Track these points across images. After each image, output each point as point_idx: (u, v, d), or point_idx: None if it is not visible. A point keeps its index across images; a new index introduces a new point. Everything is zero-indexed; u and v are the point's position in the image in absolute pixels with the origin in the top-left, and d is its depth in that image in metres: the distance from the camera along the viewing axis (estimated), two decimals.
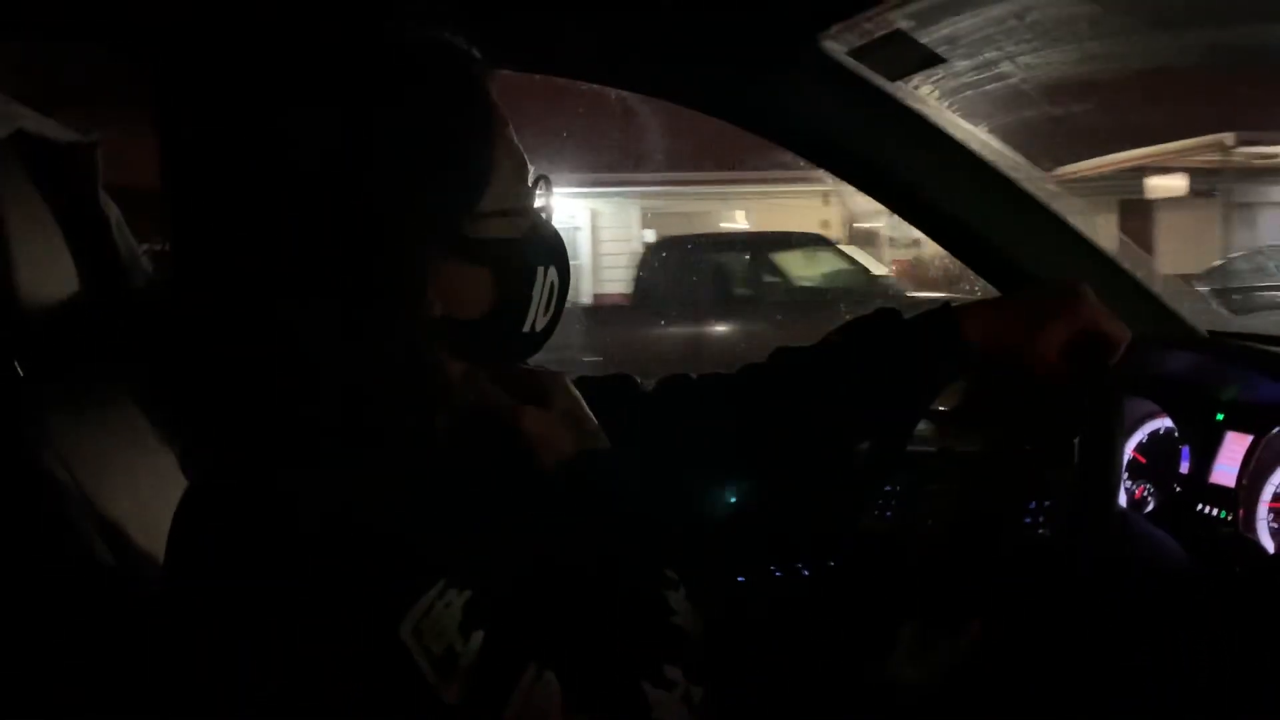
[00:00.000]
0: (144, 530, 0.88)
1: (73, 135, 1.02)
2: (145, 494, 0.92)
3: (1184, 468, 1.23)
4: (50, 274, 0.93)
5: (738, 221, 12.23)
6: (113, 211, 1.01)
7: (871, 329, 0.99)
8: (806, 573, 1.54)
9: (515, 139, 0.76)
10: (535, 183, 0.78)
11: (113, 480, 0.91)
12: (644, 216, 12.34)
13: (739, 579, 1.51)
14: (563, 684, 0.65)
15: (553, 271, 0.78)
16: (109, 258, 0.97)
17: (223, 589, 0.64)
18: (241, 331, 0.67)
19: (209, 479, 0.69)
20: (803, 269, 7.72)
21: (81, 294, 0.95)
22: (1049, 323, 0.92)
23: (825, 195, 11.70)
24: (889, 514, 1.16)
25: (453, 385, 0.76)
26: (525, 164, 0.77)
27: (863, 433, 1.05)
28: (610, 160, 10.26)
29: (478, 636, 0.63)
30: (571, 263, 0.82)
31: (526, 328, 0.77)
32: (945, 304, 0.99)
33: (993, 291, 1.46)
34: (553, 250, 0.79)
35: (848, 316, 1.02)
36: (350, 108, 0.66)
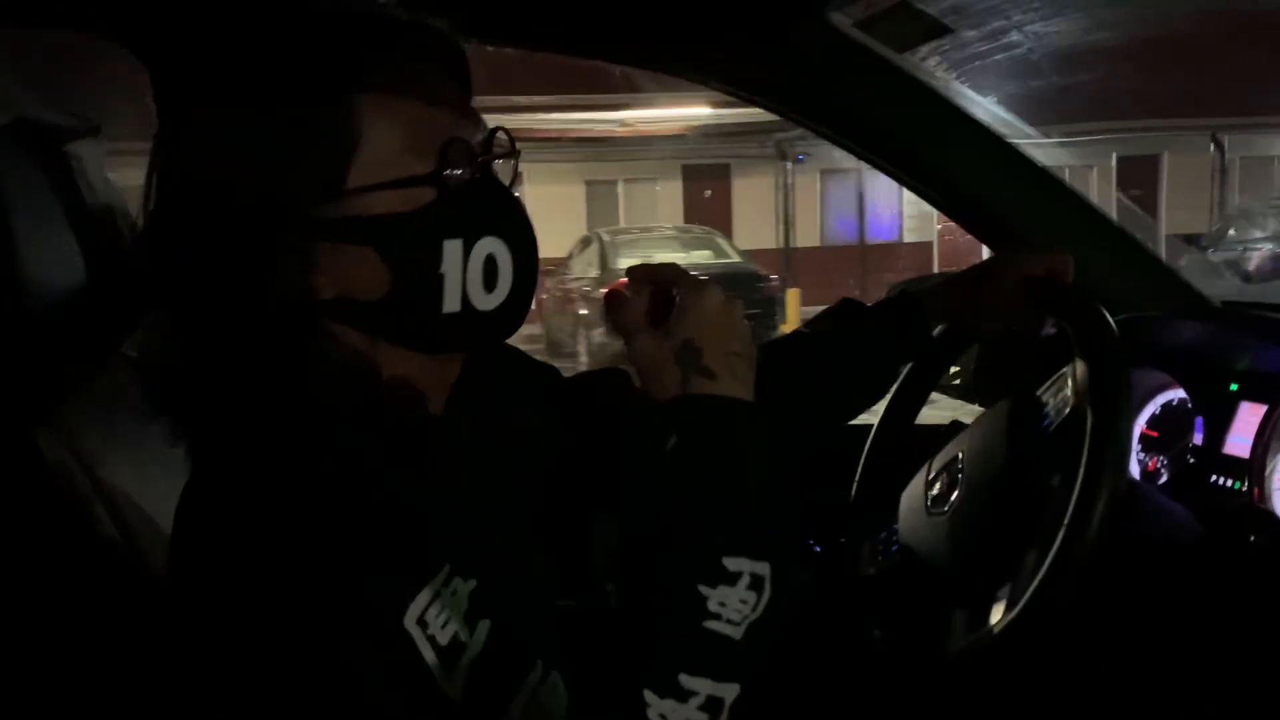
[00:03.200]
0: (155, 516, 0.88)
1: (75, 121, 1.01)
2: (156, 479, 0.92)
3: (1197, 439, 1.22)
4: (54, 262, 0.93)
5: None
6: (115, 197, 1.00)
7: (844, 319, 1.08)
8: (818, 549, 1.55)
9: (414, 99, 0.69)
10: (447, 146, 0.69)
11: (122, 466, 0.92)
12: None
13: None
14: (569, 686, 0.62)
15: (489, 243, 0.70)
16: (112, 245, 0.97)
17: (224, 580, 0.63)
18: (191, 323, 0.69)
19: (210, 467, 0.68)
20: None
21: (86, 282, 0.94)
22: (998, 280, 1.07)
23: None
24: (895, 546, 1.15)
25: (378, 367, 0.72)
26: (424, 128, 0.69)
27: (838, 420, 1.11)
28: None
29: (484, 626, 0.61)
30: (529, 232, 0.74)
31: (454, 308, 0.70)
32: (903, 290, 1.10)
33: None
34: (483, 222, 0.71)
35: None
36: (185, 93, 0.67)
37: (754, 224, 15.79)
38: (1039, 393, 1.13)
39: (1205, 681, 0.95)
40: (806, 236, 16.14)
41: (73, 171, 0.97)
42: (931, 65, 1.39)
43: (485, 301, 0.71)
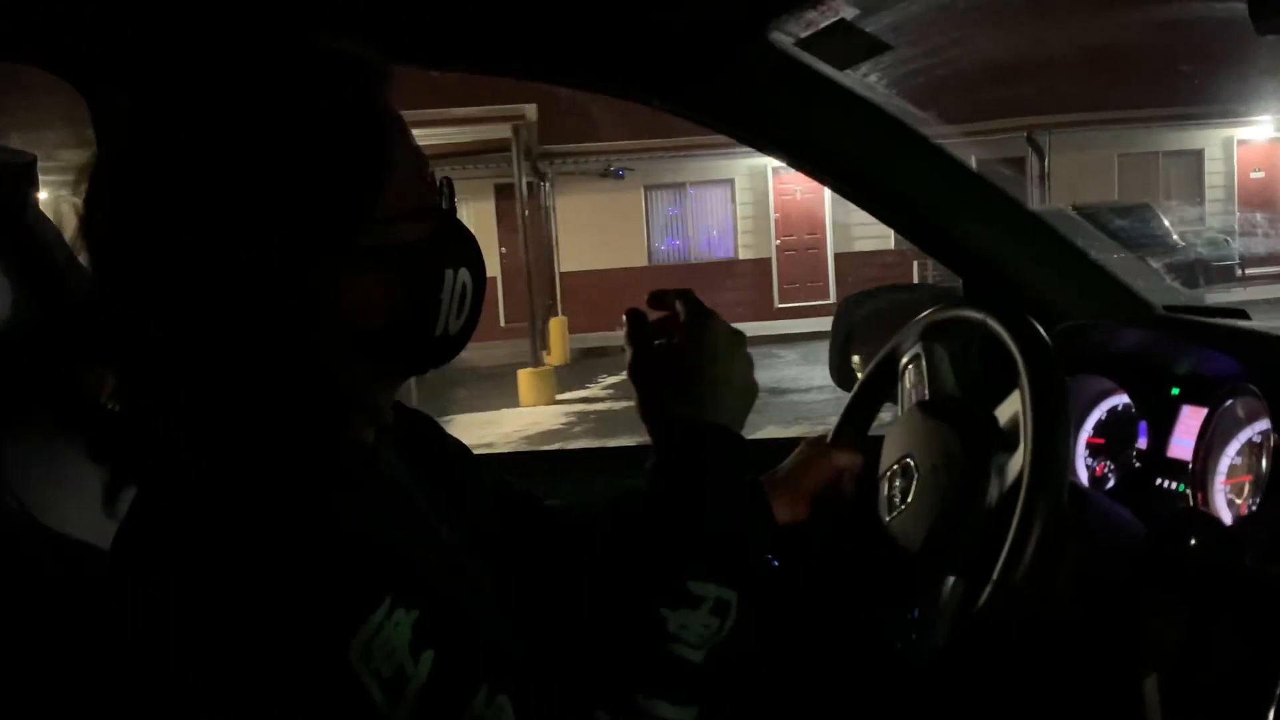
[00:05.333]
0: (98, 550, 0.87)
1: (7, 156, 1.00)
2: (97, 513, 0.91)
3: (1142, 443, 1.24)
4: None
5: None
6: (49, 229, 0.99)
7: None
8: (777, 564, 1.55)
9: (413, 139, 0.73)
10: (440, 184, 0.75)
11: (63, 501, 0.90)
12: None
13: None
14: (516, 709, 0.62)
15: (464, 273, 0.75)
16: (47, 277, 0.95)
17: (165, 618, 0.63)
18: (160, 352, 0.66)
19: (155, 500, 0.67)
20: None
21: (20, 316, 0.93)
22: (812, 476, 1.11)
23: None
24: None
25: (371, 395, 0.74)
26: (425, 164, 0.74)
27: None
28: None
29: (428, 656, 0.60)
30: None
31: (438, 332, 0.74)
32: (755, 483, 1.07)
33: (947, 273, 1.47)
34: (463, 251, 0.76)
35: None
36: (235, 119, 0.65)
37: (577, 243, 15.32)
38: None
39: (1149, 679, 0.95)
40: (633, 256, 15.54)
41: (6, 205, 0.96)
42: (873, 81, 1.41)
43: (454, 326, 0.75)
